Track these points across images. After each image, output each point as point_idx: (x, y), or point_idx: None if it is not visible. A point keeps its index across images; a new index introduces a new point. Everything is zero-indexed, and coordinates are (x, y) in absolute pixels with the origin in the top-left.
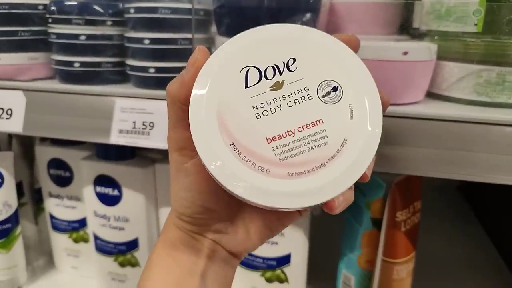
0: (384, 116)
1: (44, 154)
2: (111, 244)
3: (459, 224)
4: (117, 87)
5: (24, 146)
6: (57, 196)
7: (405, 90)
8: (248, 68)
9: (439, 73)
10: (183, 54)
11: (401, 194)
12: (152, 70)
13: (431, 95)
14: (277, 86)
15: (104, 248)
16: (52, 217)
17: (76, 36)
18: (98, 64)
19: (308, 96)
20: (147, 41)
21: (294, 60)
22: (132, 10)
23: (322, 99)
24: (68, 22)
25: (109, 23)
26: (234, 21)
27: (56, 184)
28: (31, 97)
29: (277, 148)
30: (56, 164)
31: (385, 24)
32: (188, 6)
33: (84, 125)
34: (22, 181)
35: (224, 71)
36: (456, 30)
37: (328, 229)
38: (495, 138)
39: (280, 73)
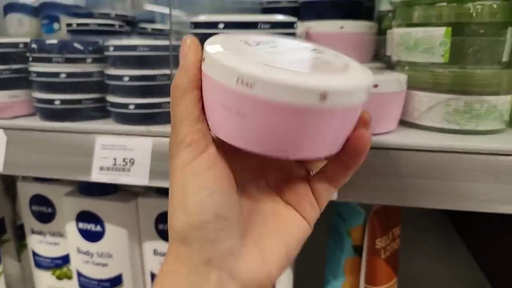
0: None
1: (26, 191)
2: (95, 281)
3: (444, 246)
4: (98, 123)
5: (5, 182)
6: (40, 233)
7: (378, 121)
8: (244, 40)
9: (410, 102)
10: (162, 90)
11: (380, 222)
12: (132, 107)
13: (404, 123)
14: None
15: (87, 285)
16: (34, 254)
17: (56, 74)
18: (79, 101)
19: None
20: (126, 78)
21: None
22: (111, 48)
23: (313, 51)
24: (48, 60)
25: (89, 60)
26: None
27: (39, 220)
28: (11, 135)
29: (301, 64)
30: (38, 200)
31: (360, 52)
32: (166, 43)
33: (65, 162)
34: (4, 217)
35: (226, 41)
36: (424, 61)
37: (313, 256)
38: (467, 166)
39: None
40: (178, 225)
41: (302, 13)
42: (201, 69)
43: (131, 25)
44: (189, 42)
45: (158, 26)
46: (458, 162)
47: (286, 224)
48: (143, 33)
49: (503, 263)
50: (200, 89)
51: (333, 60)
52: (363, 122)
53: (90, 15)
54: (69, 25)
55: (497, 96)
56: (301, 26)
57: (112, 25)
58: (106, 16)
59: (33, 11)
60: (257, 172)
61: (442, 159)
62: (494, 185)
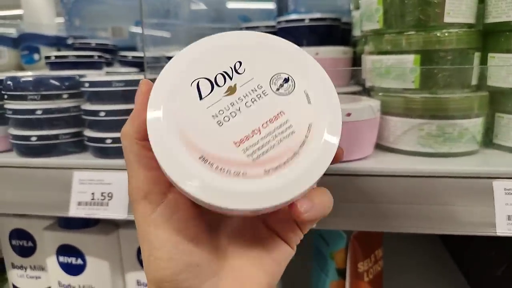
0: (335, 174)
1: (5, 225)
2: None
3: (430, 262)
4: (75, 157)
5: None
6: (20, 267)
7: (353, 148)
8: (197, 80)
9: (385, 127)
10: None
11: (361, 245)
12: (109, 141)
13: (381, 147)
14: (231, 90)
15: None
16: None
17: (32, 111)
18: (55, 137)
19: (263, 92)
20: (102, 113)
21: (241, 63)
22: (87, 84)
23: (276, 92)
24: (24, 98)
25: (65, 96)
26: None
27: (19, 254)
28: None
29: (247, 149)
30: (18, 234)
31: (336, 77)
32: (141, 77)
33: (43, 198)
34: None
35: (174, 89)
36: (396, 87)
37: (298, 279)
38: (442, 189)
39: (231, 78)
40: (150, 276)
41: None
42: None
43: (112, 53)
44: (142, 88)
45: (138, 54)
46: (434, 186)
47: (269, 251)
48: (124, 61)
49: (488, 274)
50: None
51: (296, 125)
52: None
53: (70, 46)
54: (47, 57)
55: (468, 119)
56: None
57: (91, 56)
58: (86, 45)
59: (12, 42)
60: None
61: (418, 184)
62: (469, 207)
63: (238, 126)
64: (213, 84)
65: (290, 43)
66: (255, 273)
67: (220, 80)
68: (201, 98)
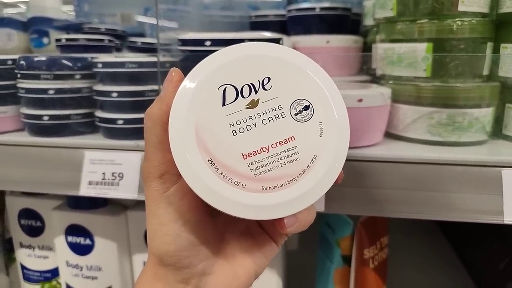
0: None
1: (14, 204)
2: None
3: (433, 253)
4: (86, 138)
5: None
6: (29, 247)
7: (363, 134)
8: (225, 86)
9: (395, 115)
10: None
11: (367, 232)
12: (120, 122)
13: (390, 135)
14: (253, 104)
15: None
16: (23, 267)
17: (44, 91)
18: (67, 117)
19: (282, 114)
20: (115, 94)
21: (269, 79)
22: (100, 65)
23: (294, 117)
24: (36, 77)
25: (77, 76)
26: None
27: (27, 234)
28: (0, 151)
29: (252, 163)
30: (27, 214)
31: (346, 65)
32: (154, 59)
33: (54, 177)
34: None
35: (201, 89)
36: (408, 75)
37: (303, 267)
38: (450, 177)
39: (256, 92)
40: (154, 250)
41: (289, 26)
42: None
43: (121, 39)
44: (173, 74)
45: (148, 40)
46: (441, 173)
47: (259, 245)
48: (133, 47)
49: (490, 268)
50: None
51: (302, 153)
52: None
53: (79, 30)
54: (58, 40)
55: (478, 108)
56: (288, 41)
57: (102, 40)
58: (96, 30)
59: (22, 26)
60: None
61: (426, 171)
62: (477, 195)
63: (250, 140)
64: (238, 93)
65: (321, 68)
66: (245, 261)
67: (245, 91)
68: (224, 104)
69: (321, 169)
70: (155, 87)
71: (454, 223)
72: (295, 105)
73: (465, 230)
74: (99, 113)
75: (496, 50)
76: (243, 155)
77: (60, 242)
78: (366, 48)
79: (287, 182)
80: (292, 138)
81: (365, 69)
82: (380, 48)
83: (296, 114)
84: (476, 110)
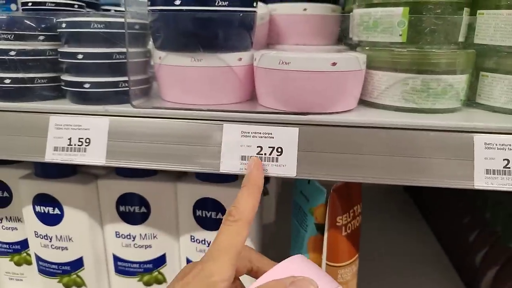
0: (319, 125)
1: None
2: (54, 264)
3: (405, 223)
4: (52, 103)
5: None
6: None
7: (337, 99)
8: None
9: (370, 81)
10: (118, 68)
11: (341, 199)
12: (87, 85)
13: (364, 102)
14: None
15: (47, 269)
16: None
17: (5, 52)
18: (31, 80)
19: None
20: (80, 56)
21: None
22: (64, 25)
23: None
24: None
25: (41, 38)
26: (169, 35)
27: None
28: None
29: None
30: None
31: (324, 34)
32: (121, 20)
33: (18, 143)
34: None
35: None
36: (384, 41)
37: (279, 237)
38: (423, 143)
39: None
40: None
41: None
42: None
43: (94, 7)
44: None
45: (122, 8)
46: (415, 139)
47: None
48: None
49: (456, 233)
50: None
51: None
52: None
53: None
54: (24, 4)
55: (453, 75)
56: (265, 8)
57: (71, 5)
58: None
59: None
60: None
61: (399, 136)
62: (449, 160)
63: None
64: None
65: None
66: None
67: None
68: None
69: None
70: (123, 49)
71: (423, 191)
72: None
73: (438, 204)
74: (65, 77)
75: (473, 16)
76: None
77: (28, 212)
78: (344, 17)
79: None
80: None
81: (342, 38)
82: (356, 14)
83: None
84: (450, 76)
